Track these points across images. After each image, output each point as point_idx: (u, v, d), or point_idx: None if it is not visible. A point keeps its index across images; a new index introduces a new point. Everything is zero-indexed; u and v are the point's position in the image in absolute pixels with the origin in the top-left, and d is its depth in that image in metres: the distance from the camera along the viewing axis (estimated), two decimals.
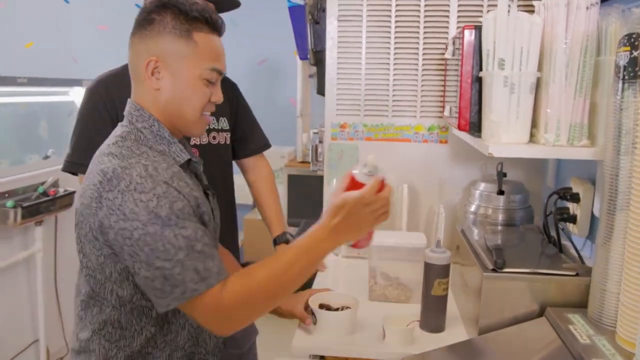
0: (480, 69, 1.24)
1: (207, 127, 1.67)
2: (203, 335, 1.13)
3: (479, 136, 1.26)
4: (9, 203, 2.08)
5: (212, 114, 1.67)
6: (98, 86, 1.53)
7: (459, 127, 1.29)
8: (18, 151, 2.68)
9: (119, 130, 1.06)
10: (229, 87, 1.79)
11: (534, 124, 1.18)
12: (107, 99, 1.49)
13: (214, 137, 1.70)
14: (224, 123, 1.73)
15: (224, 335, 1.01)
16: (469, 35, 1.26)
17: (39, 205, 2.19)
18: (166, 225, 0.92)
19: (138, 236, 0.92)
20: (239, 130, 1.78)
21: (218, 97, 1.09)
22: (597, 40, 1.10)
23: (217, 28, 1.08)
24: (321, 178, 1.88)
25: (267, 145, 1.87)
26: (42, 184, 2.32)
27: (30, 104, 2.79)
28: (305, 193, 3.25)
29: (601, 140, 1.10)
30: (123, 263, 0.97)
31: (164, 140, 1.05)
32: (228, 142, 1.74)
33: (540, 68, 1.15)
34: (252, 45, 3.93)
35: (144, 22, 1.04)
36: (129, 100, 1.09)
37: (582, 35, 1.10)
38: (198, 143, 1.64)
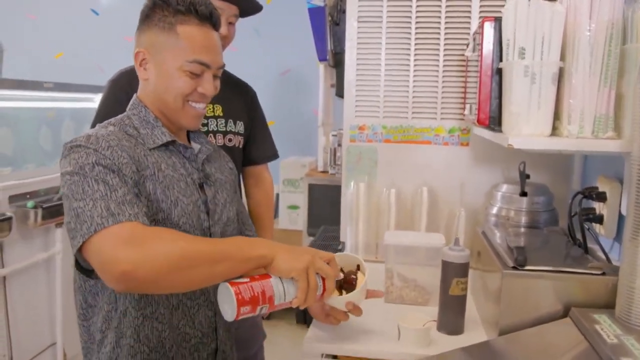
0: (501, 62, 1.20)
1: (225, 130, 1.68)
2: (199, 317, 1.11)
3: (500, 130, 1.21)
4: (30, 203, 2.11)
5: (231, 117, 1.70)
6: (120, 78, 1.56)
7: (479, 121, 1.25)
8: (43, 155, 2.72)
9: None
10: (249, 95, 1.80)
11: (557, 116, 1.13)
12: (129, 90, 1.50)
13: (229, 140, 1.70)
14: (240, 127, 1.73)
15: (120, 287, 0.91)
16: (489, 27, 1.23)
17: (59, 207, 2.21)
18: (90, 173, 0.95)
19: (67, 187, 0.96)
20: (251, 136, 1.79)
21: (206, 88, 1.10)
22: (623, 28, 1.06)
23: (207, 20, 1.09)
24: (341, 188, 1.86)
25: (274, 156, 1.89)
26: None
27: (58, 110, 2.84)
28: (326, 202, 3.23)
29: (628, 132, 1.05)
30: None
31: (148, 125, 1.11)
32: (242, 146, 1.74)
33: (562, 57, 1.11)
34: (276, 56, 3.96)
35: (141, 18, 1.12)
36: (134, 95, 1.17)
37: (606, 23, 1.05)
38: (214, 144, 1.65)
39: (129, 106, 1.16)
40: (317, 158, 3.55)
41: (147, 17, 1.10)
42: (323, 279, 1.02)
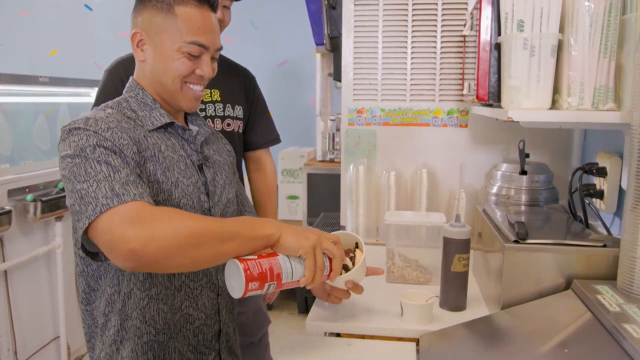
0: (499, 37, 1.20)
1: (223, 114, 1.67)
2: (202, 299, 1.11)
3: (499, 106, 1.21)
4: (29, 197, 2.10)
5: (229, 102, 1.69)
6: (117, 67, 1.56)
7: (478, 98, 1.25)
8: (40, 150, 2.71)
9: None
10: (247, 78, 1.80)
11: (556, 90, 1.13)
12: (125, 78, 1.50)
13: (228, 124, 1.69)
14: (239, 111, 1.72)
15: (129, 266, 0.87)
16: (487, 3, 1.22)
17: (58, 200, 2.20)
18: (91, 155, 0.94)
19: (68, 170, 0.95)
20: (251, 121, 1.78)
21: (204, 71, 1.09)
22: None
23: (205, 1, 1.08)
24: (340, 176, 1.85)
25: (276, 140, 1.87)
26: None
27: (54, 105, 2.83)
28: (325, 192, 3.23)
29: (628, 103, 1.04)
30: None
31: (146, 107, 1.10)
32: (241, 130, 1.73)
33: (561, 29, 1.10)
34: (272, 47, 3.95)
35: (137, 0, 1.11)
36: (131, 77, 1.15)
37: None
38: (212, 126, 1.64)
39: (125, 89, 1.14)
40: (315, 148, 3.55)
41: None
42: (329, 260, 1.01)
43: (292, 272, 0.96)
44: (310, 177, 3.28)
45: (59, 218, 2.27)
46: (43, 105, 2.79)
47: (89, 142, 0.96)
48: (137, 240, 0.84)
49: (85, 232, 0.90)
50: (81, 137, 0.97)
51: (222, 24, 1.59)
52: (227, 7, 1.61)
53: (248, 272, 0.91)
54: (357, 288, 1.11)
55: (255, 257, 0.94)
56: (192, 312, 1.10)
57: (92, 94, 2.91)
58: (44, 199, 2.14)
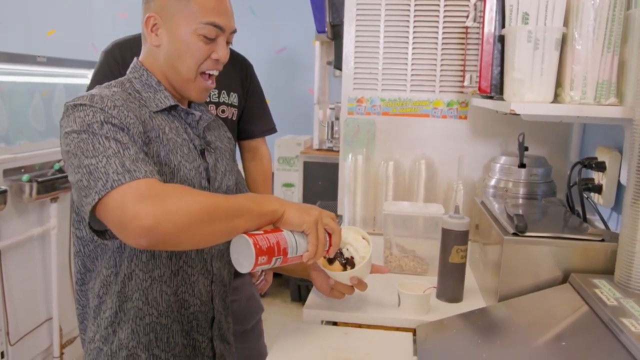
0: (503, 29, 1.19)
1: (217, 100, 1.66)
2: (198, 285, 1.11)
3: (501, 98, 1.21)
4: (25, 177, 2.09)
5: (225, 88, 1.68)
6: (113, 48, 1.55)
7: (480, 90, 1.24)
8: (36, 131, 2.69)
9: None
10: (244, 65, 1.78)
11: (559, 84, 1.13)
12: (121, 61, 1.50)
13: (222, 111, 1.68)
14: (234, 99, 1.71)
15: (142, 243, 0.86)
16: None
17: (54, 182, 2.19)
18: (99, 131, 0.93)
19: (74, 145, 0.93)
20: (248, 109, 1.77)
21: (220, 54, 1.08)
22: None
23: None
24: (337, 165, 1.85)
25: (272, 130, 1.87)
26: (59, 161, 2.32)
27: (51, 85, 2.80)
28: (321, 180, 3.23)
29: (630, 98, 1.05)
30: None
31: (151, 89, 1.09)
32: (235, 118, 1.72)
33: (566, 23, 1.10)
34: (271, 34, 3.92)
35: None
36: (135, 58, 1.13)
37: None
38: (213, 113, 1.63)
39: (129, 69, 1.13)
40: (312, 136, 3.54)
41: None
42: (329, 235, 1.02)
43: (297, 246, 0.97)
44: (306, 165, 3.28)
45: (54, 199, 2.26)
46: (39, 86, 2.76)
47: (95, 118, 0.94)
48: (150, 216, 0.83)
49: (93, 208, 0.88)
50: (87, 113, 0.95)
51: None
52: None
53: (257, 246, 0.91)
54: (361, 284, 1.11)
55: (262, 232, 0.95)
56: (187, 298, 1.10)
57: (89, 75, 2.88)
58: (39, 179, 2.12)
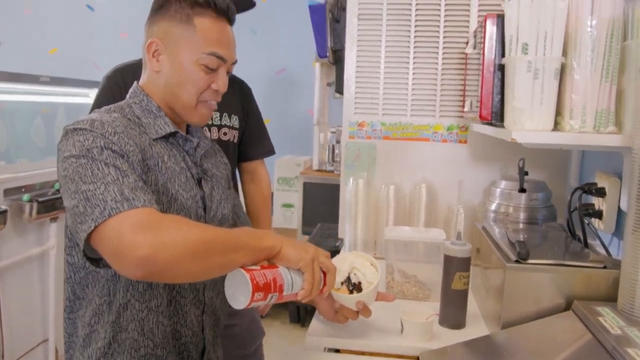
0: (503, 58, 1.21)
1: (219, 123, 1.68)
2: (190, 316, 1.10)
3: (502, 126, 1.22)
4: (25, 197, 2.09)
5: (226, 111, 1.70)
6: (115, 74, 1.57)
7: (481, 117, 1.26)
8: (37, 150, 2.70)
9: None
10: (244, 89, 1.81)
11: (559, 112, 1.14)
12: (123, 85, 1.52)
13: (224, 133, 1.70)
14: (235, 121, 1.73)
15: (138, 273, 0.84)
16: (491, 24, 1.24)
17: (54, 202, 2.19)
18: (98, 157, 0.92)
19: (72, 170, 0.91)
20: (247, 132, 1.79)
21: (220, 85, 1.08)
22: (624, 25, 1.07)
23: (224, 14, 1.08)
24: (336, 186, 1.86)
25: (271, 152, 1.89)
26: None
27: (52, 105, 2.82)
28: (321, 201, 3.24)
29: (629, 127, 1.06)
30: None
31: (151, 114, 1.08)
32: (236, 141, 1.74)
33: (564, 53, 1.12)
34: (271, 55, 3.96)
35: (153, 8, 1.09)
36: (134, 82, 1.13)
37: (607, 19, 1.07)
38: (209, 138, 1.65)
39: (129, 94, 1.12)
40: (312, 157, 3.55)
41: (161, 7, 1.07)
42: (324, 274, 1.02)
43: (292, 284, 0.96)
44: (306, 186, 3.29)
45: (54, 219, 2.26)
46: (42, 105, 2.78)
47: (95, 143, 0.93)
48: (148, 246, 0.82)
49: (88, 236, 0.86)
50: (87, 137, 0.94)
51: None
52: None
53: (254, 281, 0.90)
54: (365, 310, 1.10)
55: (259, 267, 0.94)
56: (179, 328, 1.09)
57: (90, 94, 2.91)
58: (40, 199, 2.13)
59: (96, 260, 0.97)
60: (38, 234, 2.27)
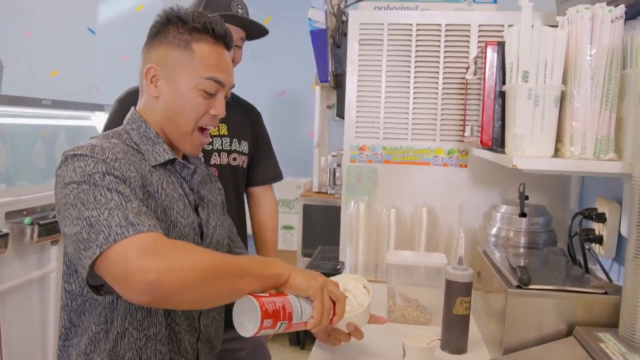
0: (504, 84, 1.23)
1: (229, 149, 1.69)
2: (184, 343, 1.09)
3: (502, 152, 1.24)
4: (27, 220, 2.09)
5: (236, 137, 1.71)
6: (127, 97, 1.59)
7: (482, 143, 1.27)
8: (39, 172, 2.71)
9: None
10: (254, 114, 1.83)
11: (559, 139, 1.16)
12: None
13: (234, 159, 1.71)
14: (244, 147, 1.74)
15: (144, 299, 0.84)
16: (492, 51, 1.27)
17: (55, 224, 2.19)
18: (100, 183, 0.91)
19: (73, 196, 0.91)
20: (256, 157, 1.80)
21: (218, 110, 1.09)
22: (623, 54, 1.09)
23: (221, 39, 1.09)
24: (336, 208, 1.87)
25: (277, 177, 1.89)
26: None
27: (53, 128, 2.84)
28: (321, 223, 3.24)
29: (628, 154, 1.07)
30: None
31: (149, 141, 1.08)
32: (245, 166, 1.75)
33: (564, 81, 1.14)
34: (272, 77, 4.00)
35: (151, 34, 1.09)
36: (131, 108, 1.13)
37: (607, 48, 1.09)
38: (218, 163, 1.66)
39: (126, 120, 1.12)
40: (312, 179, 3.57)
41: (158, 33, 1.08)
42: (333, 303, 1.01)
43: (302, 312, 0.95)
44: (306, 208, 3.30)
45: (54, 242, 2.25)
46: (43, 128, 2.79)
47: (97, 169, 0.93)
48: (155, 272, 0.81)
49: (93, 262, 0.86)
50: (88, 163, 0.94)
51: (233, 62, 1.63)
52: (239, 47, 1.66)
53: (263, 308, 0.89)
54: (357, 333, 1.10)
55: (267, 294, 0.94)
56: (174, 356, 1.08)
57: (92, 117, 2.93)
58: (41, 222, 2.13)
59: (97, 287, 0.96)
60: (39, 257, 2.26)
